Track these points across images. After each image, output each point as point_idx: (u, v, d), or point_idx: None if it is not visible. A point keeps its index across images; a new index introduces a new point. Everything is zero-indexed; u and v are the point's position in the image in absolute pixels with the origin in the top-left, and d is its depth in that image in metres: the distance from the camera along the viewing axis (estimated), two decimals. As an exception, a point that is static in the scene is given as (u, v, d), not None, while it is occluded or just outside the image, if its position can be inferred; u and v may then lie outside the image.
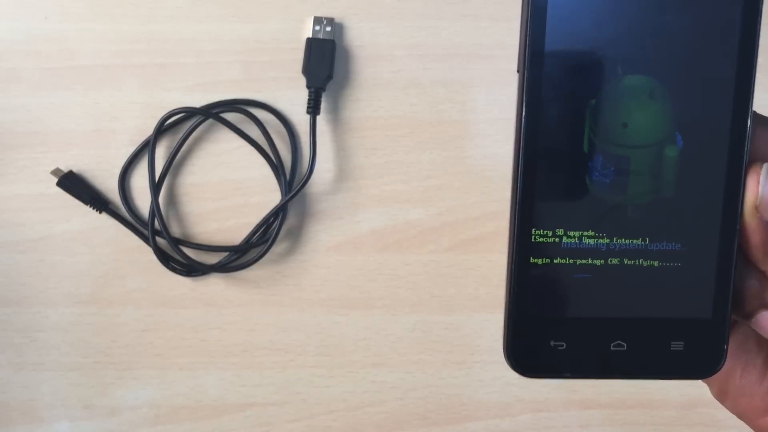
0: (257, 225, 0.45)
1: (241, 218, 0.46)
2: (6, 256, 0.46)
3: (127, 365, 0.46)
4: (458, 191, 0.46)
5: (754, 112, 0.24)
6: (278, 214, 0.45)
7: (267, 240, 0.45)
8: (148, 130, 0.45)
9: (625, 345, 0.24)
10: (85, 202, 0.45)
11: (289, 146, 0.46)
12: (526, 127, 0.23)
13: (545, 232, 0.24)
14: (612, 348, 0.24)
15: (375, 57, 0.46)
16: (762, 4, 0.23)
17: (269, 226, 0.46)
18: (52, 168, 0.45)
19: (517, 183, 0.24)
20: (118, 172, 0.46)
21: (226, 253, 0.46)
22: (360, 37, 0.46)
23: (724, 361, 0.24)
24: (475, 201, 0.46)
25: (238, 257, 0.46)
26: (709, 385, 0.27)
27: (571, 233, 0.24)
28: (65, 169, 0.45)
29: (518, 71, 0.24)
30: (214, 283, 0.46)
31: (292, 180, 0.46)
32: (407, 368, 0.47)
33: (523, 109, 0.23)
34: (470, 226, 0.46)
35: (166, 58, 0.46)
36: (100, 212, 0.46)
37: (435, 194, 0.46)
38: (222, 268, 0.46)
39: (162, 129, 0.45)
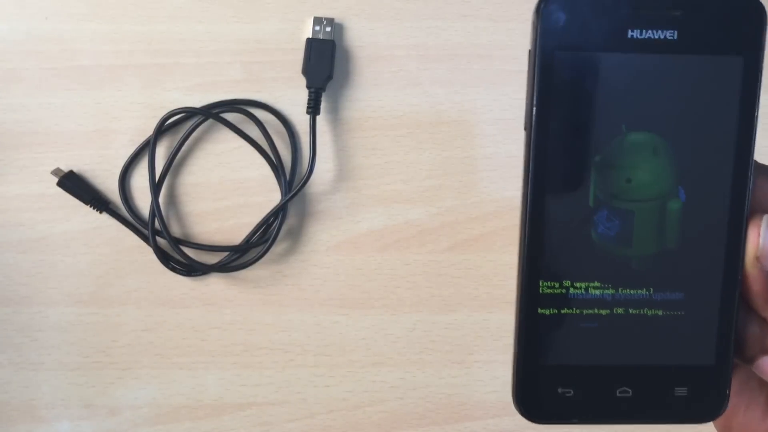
0: (257, 225, 0.46)
1: (241, 218, 0.46)
2: (6, 256, 0.46)
3: (127, 365, 0.46)
4: (458, 191, 0.46)
5: (756, 162, 0.25)
6: (278, 214, 0.45)
7: (267, 240, 0.45)
8: (149, 130, 0.45)
9: (631, 391, 0.25)
10: (86, 202, 0.45)
11: (289, 146, 0.46)
12: (534, 183, 0.24)
13: (552, 283, 0.25)
14: (618, 394, 0.25)
15: (375, 57, 0.46)
16: (762, 62, 0.24)
17: (269, 226, 0.46)
18: (53, 168, 0.45)
19: (525, 235, 0.24)
20: (119, 172, 0.46)
21: (226, 253, 0.46)
22: (360, 37, 0.46)
23: (727, 405, 0.25)
24: (474, 201, 0.46)
25: (238, 257, 0.46)
26: (713, 421, 0.27)
27: (578, 284, 0.25)
28: (65, 169, 0.46)
29: (525, 129, 0.24)
30: (214, 283, 0.46)
31: (292, 180, 0.46)
32: (407, 368, 0.47)
33: (531, 165, 0.24)
34: (470, 226, 0.46)
35: (167, 59, 0.46)
36: (101, 212, 0.46)
37: (435, 194, 0.46)
38: (222, 268, 0.46)
39: (162, 129, 0.45)
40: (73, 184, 0.45)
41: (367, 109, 0.46)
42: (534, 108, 0.24)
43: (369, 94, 0.46)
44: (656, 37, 0.23)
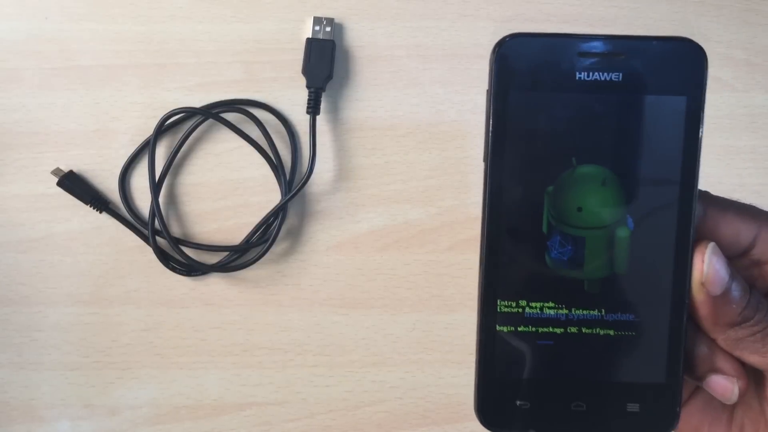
0: (257, 225, 0.46)
1: (241, 218, 0.46)
2: (6, 256, 0.46)
3: (127, 365, 0.46)
4: (458, 191, 0.46)
5: (707, 193, 0.26)
6: (278, 214, 0.45)
7: (267, 240, 0.45)
8: (149, 130, 0.46)
9: (585, 405, 0.27)
10: (86, 201, 0.45)
11: (289, 146, 0.46)
12: (491, 210, 0.26)
13: (509, 302, 0.26)
14: (572, 408, 0.27)
15: (375, 57, 0.46)
16: (704, 100, 0.25)
17: (269, 226, 0.46)
18: (53, 168, 0.45)
19: (483, 259, 0.26)
20: (119, 172, 0.46)
21: (226, 253, 0.46)
22: (360, 37, 0.46)
23: (677, 422, 0.26)
24: (474, 201, 0.46)
25: (238, 257, 0.46)
26: None
27: (534, 304, 0.26)
28: (65, 168, 0.46)
29: (484, 161, 0.26)
30: (214, 282, 0.46)
31: (292, 180, 0.46)
32: (407, 368, 0.47)
33: (488, 194, 0.26)
34: (470, 226, 0.46)
35: (167, 58, 0.46)
36: (101, 212, 0.46)
37: (435, 194, 0.46)
38: (222, 267, 0.46)
39: (162, 129, 0.45)
40: (73, 184, 0.45)
41: (367, 109, 0.46)
42: (491, 142, 0.26)
43: (369, 94, 0.46)
44: (602, 78, 0.25)
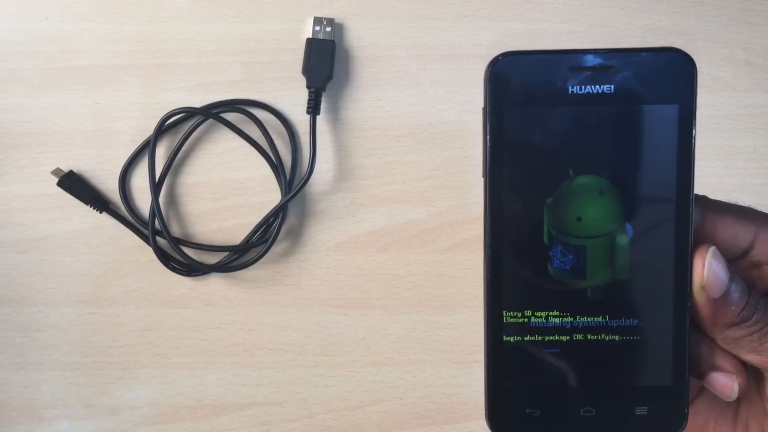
0: (257, 225, 0.46)
1: (241, 218, 0.46)
2: (6, 256, 0.46)
3: (127, 365, 0.46)
4: (458, 191, 0.46)
5: (704, 197, 0.27)
6: (278, 214, 0.45)
7: (267, 240, 0.45)
8: (149, 130, 0.46)
9: (594, 411, 0.27)
10: (86, 202, 0.45)
11: (289, 146, 0.46)
12: (492, 223, 0.27)
13: (515, 313, 0.27)
14: (582, 413, 0.27)
15: (375, 57, 0.46)
16: (696, 107, 0.26)
17: (269, 226, 0.46)
18: (53, 168, 0.45)
19: (487, 271, 0.27)
20: (119, 172, 0.46)
21: (226, 253, 0.46)
22: (360, 38, 0.46)
23: (686, 423, 0.27)
24: (474, 201, 0.46)
25: (238, 257, 0.46)
26: None
27: (539, 313, 0.27)
28: (66, 169, 0.46)
29: (483, 176, 0.27)
30: (214, 282, 0.46)
31: (292, 180, 0.46)
32: (407, 368, 0.47)
33: (488, 208, 0.27)
34: (470, 226, 0.46)
35: (167, 59, 0.46)
36: (101, 212, 0.46)
37: (435, 194, 0.46)
38: (222, 267, 0.46)
39: (162, 129, 0.45)
40: (73, 184, 0.45)
41: (367, 109, 0.46)
42: (489, 158, 0.27)
43: (369, 94, 0.46)
44: (595, 91, 0.26)
